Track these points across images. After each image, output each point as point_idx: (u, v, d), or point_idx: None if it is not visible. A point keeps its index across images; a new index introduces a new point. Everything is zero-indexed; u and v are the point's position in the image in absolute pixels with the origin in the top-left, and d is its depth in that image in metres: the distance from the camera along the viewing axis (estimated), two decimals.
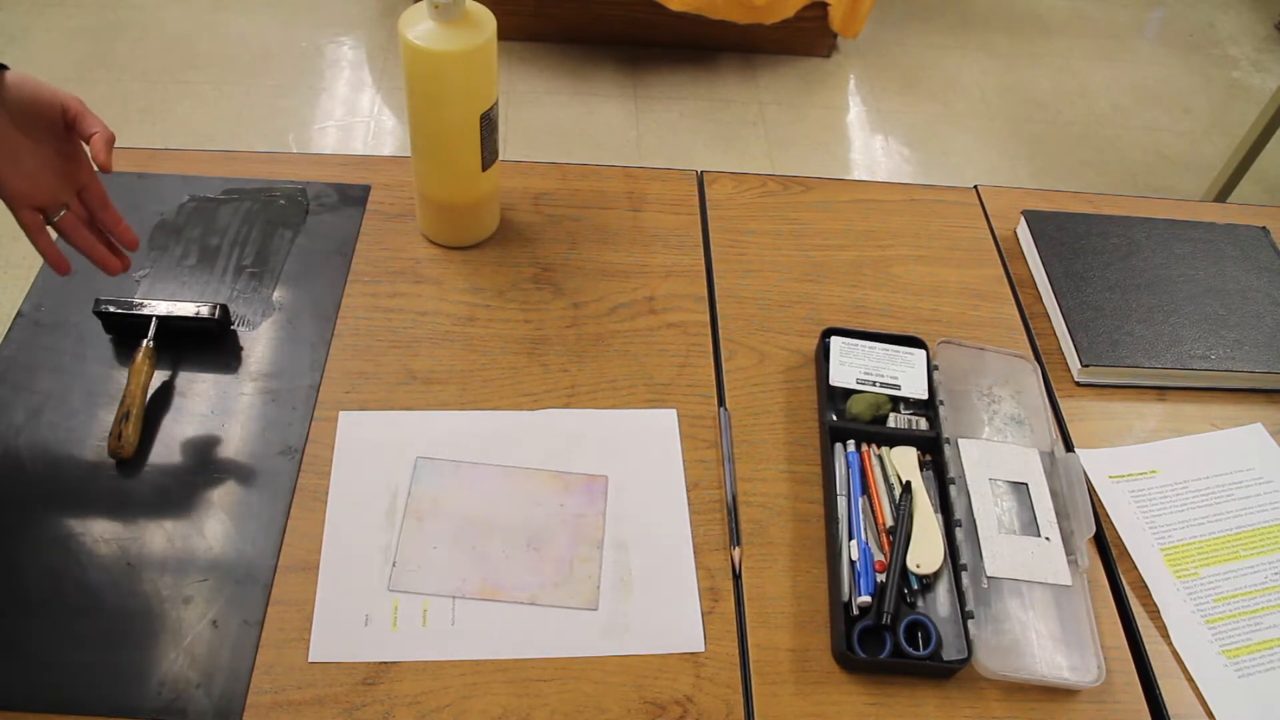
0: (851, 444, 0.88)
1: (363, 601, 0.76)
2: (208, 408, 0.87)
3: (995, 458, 0.86)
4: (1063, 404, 0.95)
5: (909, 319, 1.01)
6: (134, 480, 0.82)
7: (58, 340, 0.91)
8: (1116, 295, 1.02)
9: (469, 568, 0.79)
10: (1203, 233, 1.10)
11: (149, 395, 0.86)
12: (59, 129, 0.74)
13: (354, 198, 1.05)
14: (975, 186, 1.17)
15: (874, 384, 0.90)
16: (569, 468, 0.85)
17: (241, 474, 0.83)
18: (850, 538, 0.81)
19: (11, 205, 0.74)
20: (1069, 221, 1.09)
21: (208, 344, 0.91)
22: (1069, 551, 0.81)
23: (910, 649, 0.75)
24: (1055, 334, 1.01)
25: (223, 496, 0.81)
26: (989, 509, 0.83)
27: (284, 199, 1.04)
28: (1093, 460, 0.90)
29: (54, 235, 0.79)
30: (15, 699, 0.70)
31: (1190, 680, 0.77)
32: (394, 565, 0.78)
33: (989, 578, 0.79)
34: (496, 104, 0.92)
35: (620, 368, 0.93)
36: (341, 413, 0.87)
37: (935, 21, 2.91)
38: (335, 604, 0.76)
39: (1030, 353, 0.97)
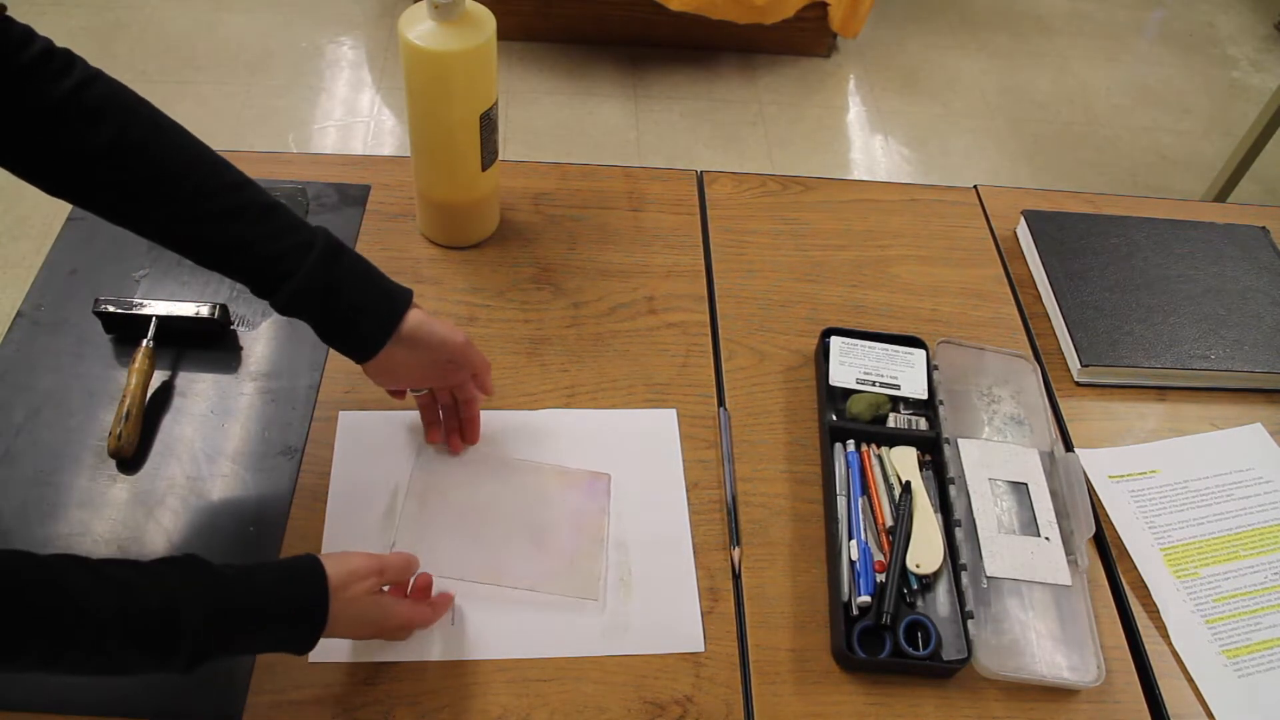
0: (851, 444, 0.88)
1: None
2: (208, 408, 0.87)
3: (995, 458, 0.86)
4: (1062, 404, 0.95)
5: (909, 319, 1.01)
6: (134, 480, 0.82)
7: (58, 340, 0.90)
8: (1116, 295, 1.02)
9: (469, 553, 0.78)
10: (1203, 233, 1.10)
11: (149, 395, 0.86)
12: (442, 360, 0.79)
13: (354, 198, 1.05)
14: (975, 186, 1.17)
15: (874, 384, 0.90)
16: (569, 468, 0.85)
17: (241, 474, 0.83)
18: (850, 538, 0.81)
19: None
20: (1069, 221, 1.09)
21: (208, 344, 0.91)
22: (1069, 551, 0.81)
23: (910, 649, 0.75)
24: (1055, 334, 1.01)
25: (223, 496, 0.81)
26: (989, 509, 0.83)
27: (284, 199, 1.03)
28: (1093, 460, 0.90)
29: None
30: (15, 699, 0.70)
31: (1190, 680, 0.77)
32: (393, 546, 0.78)
33: (989, 578, 0.79)
34: (496, 104, 0.92)
35: (620, 368, 0.93)
36: (341, 413, 0.87)
37: (935, 21, 2.91)
38: None
39: (1030, 353, 0.97)
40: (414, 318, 0.76)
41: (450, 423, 0.85)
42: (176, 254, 0.73)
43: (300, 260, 0.71)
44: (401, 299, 0.76)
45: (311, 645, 0.65)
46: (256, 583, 0.63)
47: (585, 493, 0.84)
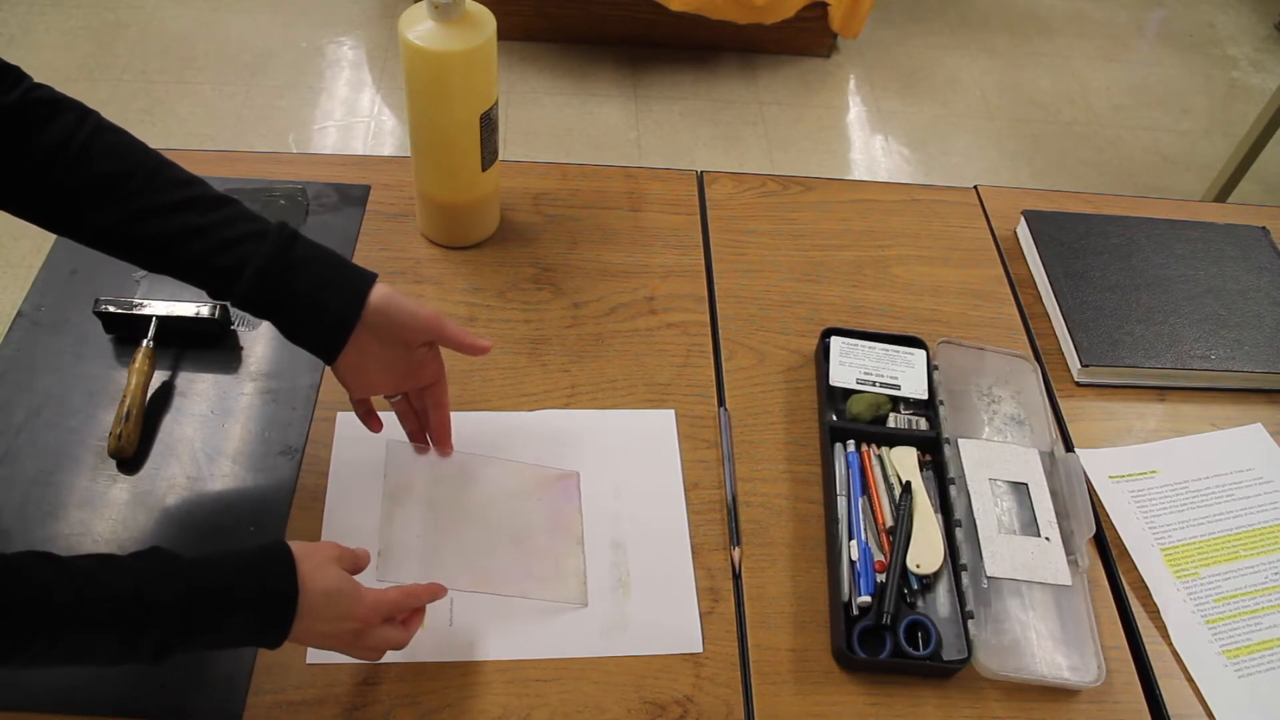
0: (851, 444, 0.88)
1: None
2: (208, 408, 0.87)
3: (995, 458, 0.86)
4: (1063, 404, 0.95)
5: (909, 319, 1.01)
6: (134, 480, 0.82)
7: (58, 340, 0.91)
8: (1116, 295, 1.02)
9: (454, 561, 0.78)
10: (1203, 233, 1.10)
11: (149, 395, 0.86)
12: (414, 344, 0.76)
13: (354, 198, 1.05)
14: (975, 186, 1.17)
15: (874, 384, 0.90)
16: (568, 468, 0.85)
17: (241, 474, 0.83)
18: (850, 538, 0.81)
19: (349, 393, 0.79)
20: (1069, 221, 1.09)
21: (208, 344, 0.91)
22: (1069, 551, 0.81)
23: (910, 649, 0.75)
24: (1055, 334, 1.01)
25: (223, 496, 0.81)
26: (989, 509, 0.83)
27: (284, 199, 1.04)
28: (1093, 460, 0.90)
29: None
30: (15, 699, 0.70)
31: (1190, 680, 0.77)
32: (377, 553, 0.77)
33: (989, 578, 0.79)
34: (496, 104, 0.92)
35: (620, 368, 0.93)
36: (341, 413, 0.87)
37: (935, 21, 2.91)
38: None
39: (1030, 353, 0.97)
40: (382, 291, 0.73)
41: (418, 435, 0.83)
42: (126, 260, 0.71)
43: (259, 243, 0.69)
44: (366, 275, 0.73)
45: (285, 629, 0.62)
46: (221, 565, 0.62)
47: (557, 491, 0.84)
